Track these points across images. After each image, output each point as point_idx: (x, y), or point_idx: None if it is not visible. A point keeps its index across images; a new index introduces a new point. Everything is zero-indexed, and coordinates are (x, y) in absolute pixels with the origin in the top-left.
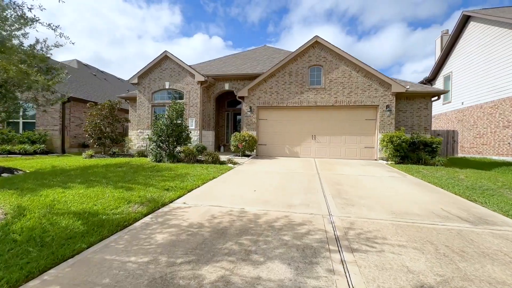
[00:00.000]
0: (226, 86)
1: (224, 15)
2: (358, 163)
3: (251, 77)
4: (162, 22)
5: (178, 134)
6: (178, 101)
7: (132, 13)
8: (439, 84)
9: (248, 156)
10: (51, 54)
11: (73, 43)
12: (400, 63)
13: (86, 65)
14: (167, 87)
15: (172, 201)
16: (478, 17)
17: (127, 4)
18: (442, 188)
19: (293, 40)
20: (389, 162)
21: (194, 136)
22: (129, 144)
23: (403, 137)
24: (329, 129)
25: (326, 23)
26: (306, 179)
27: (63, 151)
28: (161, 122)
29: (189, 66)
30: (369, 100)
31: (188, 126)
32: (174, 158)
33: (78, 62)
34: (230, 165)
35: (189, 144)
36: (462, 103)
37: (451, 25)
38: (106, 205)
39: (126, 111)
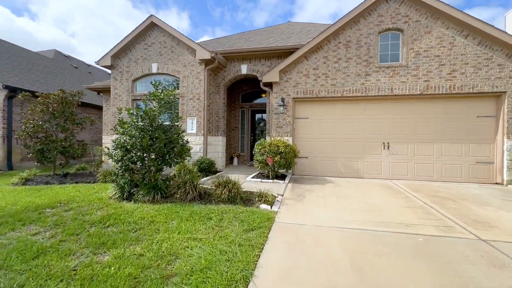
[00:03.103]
0: (243, 69)
1: (231, 19)
2: (490, 193)
3: (282, 53)
4: None
5: (165, 144)
6: (164, 85)
7: (142, 19)
8: None
9: (282, 177)
10: None
11: None
12: None
13: (67, 56)
14: (154, 70)
15: None
16: None
17: (136, 11)
18: None
19: None
20: None
21: (195, 145)
22: (103, 156)
23: None
24: (412, 133)
25: None
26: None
27: (10, 167)
28: (131, 123)
29: (189, 39)
30: (488, 83)
31: (184, 131)
32: (156, 190)
33: (57, 52)
34: (264, 207)
35: (188, 159)
36: None
37: None
38: None
39: (100, 109)
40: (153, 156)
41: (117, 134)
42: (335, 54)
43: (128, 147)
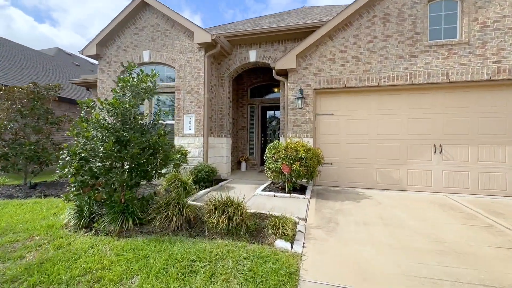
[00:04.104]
0: (252, 56)
1: (241, 20)
2: None
3: (299, 35)
4: None
5: (143, 150)
6: (137, 67)
7: None
8: None
9: (302, 189)
10: None
11: None
12: None
13: (70, 54)
14: (146, 59)
15: None
16: None
17: None
18: None
19: None
20: None
21: (194, 148)
22: None
23: None
24: (474, 132)
25: None
26: None
27: None
28: (93, 122)
29: (185, 19)
30: None
31: (169, 131)
32: (126, 216)
33: (59, 49)
34: (281, 245)
35: (183, 165)
36: None
37: None
38: None
39: None
40: (127, 167)
41: (70, 136)
42: (369, 32)
43: (84, 154)
